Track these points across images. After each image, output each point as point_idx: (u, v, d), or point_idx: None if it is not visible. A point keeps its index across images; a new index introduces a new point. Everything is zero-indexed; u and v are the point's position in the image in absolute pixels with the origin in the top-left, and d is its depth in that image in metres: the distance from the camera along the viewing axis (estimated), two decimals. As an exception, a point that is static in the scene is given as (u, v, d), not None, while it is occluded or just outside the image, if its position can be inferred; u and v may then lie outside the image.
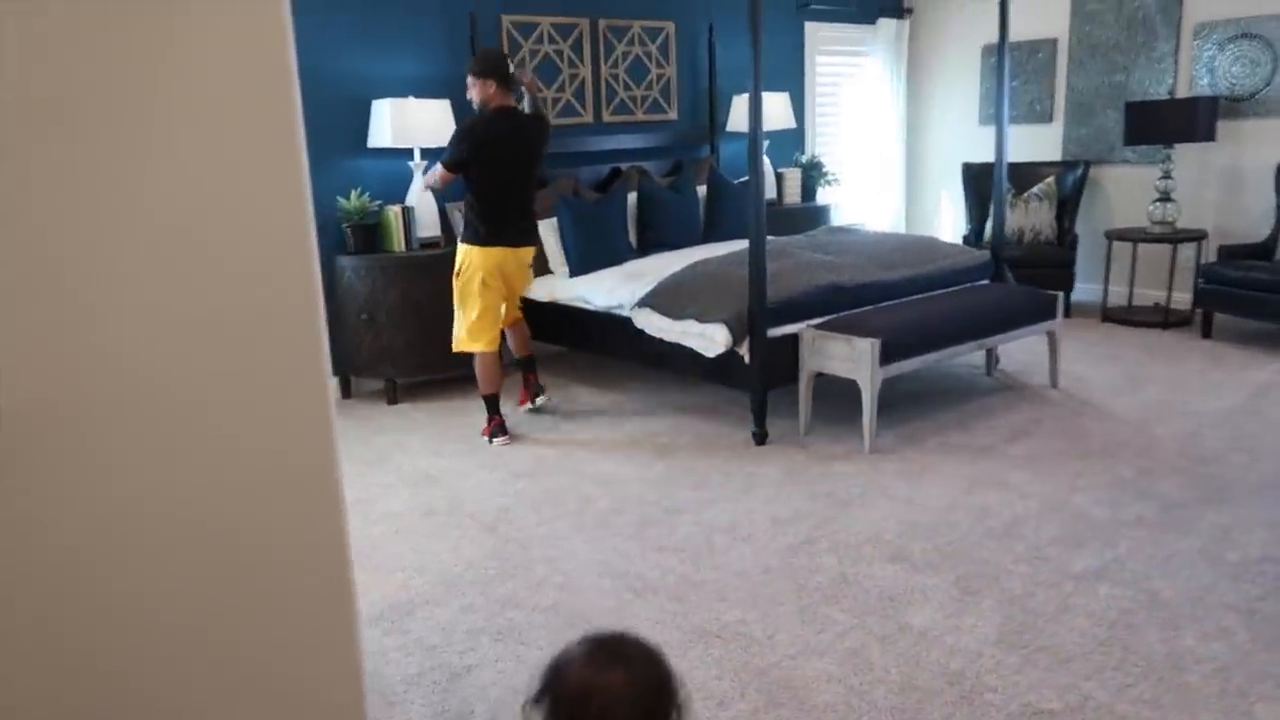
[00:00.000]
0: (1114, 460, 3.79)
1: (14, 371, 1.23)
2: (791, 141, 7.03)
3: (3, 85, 1.17)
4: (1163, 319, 5.95)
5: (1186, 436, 4.02)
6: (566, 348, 5.52)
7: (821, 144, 7.31)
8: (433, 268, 4.94)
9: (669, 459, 4.04)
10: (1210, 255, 5.93)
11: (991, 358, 5.08)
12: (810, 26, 7.08)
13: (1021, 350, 5.22)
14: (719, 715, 2.29)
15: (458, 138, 4.29)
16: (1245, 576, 2.85)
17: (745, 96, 5.64)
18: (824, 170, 6.90)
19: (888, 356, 3.98)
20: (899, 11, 7.45)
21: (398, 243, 4.98)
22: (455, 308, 4.43)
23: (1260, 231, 5.84)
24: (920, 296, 4.64)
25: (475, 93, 4.30)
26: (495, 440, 4.33)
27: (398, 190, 5.12)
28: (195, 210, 1.35)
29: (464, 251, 4.36)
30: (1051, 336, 4.72)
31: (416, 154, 5.06)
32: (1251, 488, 3.48)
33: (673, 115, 6.42)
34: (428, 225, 5.11)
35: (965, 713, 2.27)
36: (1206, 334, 5.63)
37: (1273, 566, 2.90)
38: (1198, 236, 5.93)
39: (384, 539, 3.37)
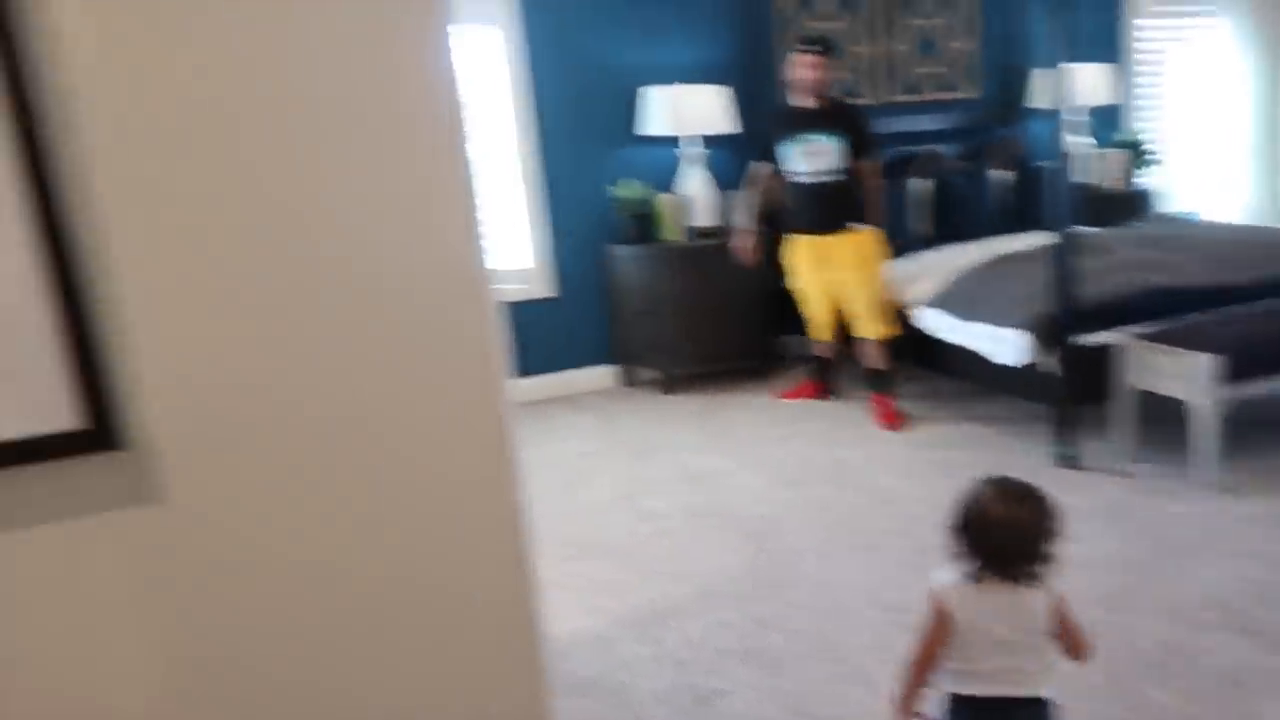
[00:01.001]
0: None
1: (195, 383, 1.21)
2: (1110, 118, 6.22)
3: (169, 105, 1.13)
4: None
5: None
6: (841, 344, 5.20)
7: (1143, 120, 6.42)
8: (708, 258, 4.82)
9: (957, 476, 3.57)
10: None
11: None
12: (1136, -14, 6.21)
13: None
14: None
15: (869, 124, 4.29)
16: None
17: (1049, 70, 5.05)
18: (1146, 151, 6.05)
19: (1233, 374, 3.34)
20: (1257, -38, 6.36)
21: (671, 231, 4.90)
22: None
23: None
24: (1275, 301, 3.89)
25: (823, 73, 4.13)
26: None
27: (665, 179, 5.03)
28: (357, 219, 1.28)
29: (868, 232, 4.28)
30: None
31: (690, 141, 4.93)
32: None
33: (971, 93, 5.86)
34: (704, 214, 4.98)
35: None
36: None
37: None
38: None
39: (648, 539, 3.28)
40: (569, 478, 3.85)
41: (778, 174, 4.33)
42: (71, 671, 1.21)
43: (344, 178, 1.25)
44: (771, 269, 5.06)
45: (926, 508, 3.35)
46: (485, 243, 1.34)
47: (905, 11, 5.61)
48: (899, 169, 5.47)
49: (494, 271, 1.37)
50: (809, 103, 4.17)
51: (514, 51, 4.76)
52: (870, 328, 4.26)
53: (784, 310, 5.17)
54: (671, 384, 4.95)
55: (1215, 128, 6.50)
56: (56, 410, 1.12)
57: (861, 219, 4.28)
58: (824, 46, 4.15)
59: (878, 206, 4.36)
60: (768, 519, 3.39)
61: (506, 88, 4.79)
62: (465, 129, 1.30)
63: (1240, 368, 3.35)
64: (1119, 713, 2.20)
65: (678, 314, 4.82)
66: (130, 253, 1.15)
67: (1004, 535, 1.59)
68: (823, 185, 4.20)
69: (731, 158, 5.19)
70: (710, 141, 5.00)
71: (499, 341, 1.37)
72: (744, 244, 4.49)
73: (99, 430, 1.15)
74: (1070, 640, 1.65)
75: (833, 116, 4.20)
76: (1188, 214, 6.35)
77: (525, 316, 4.93)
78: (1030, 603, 1.59)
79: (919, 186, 5.23)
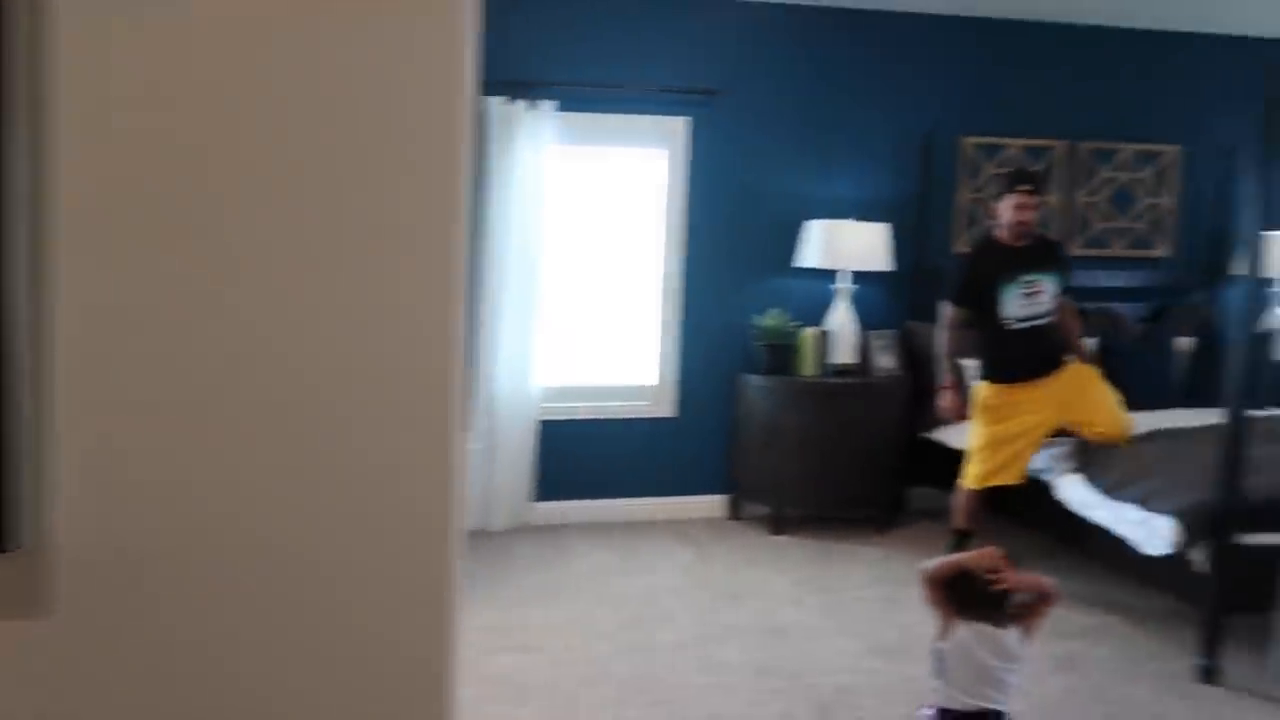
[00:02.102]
0: None
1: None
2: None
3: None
4: None
5: None
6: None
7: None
8: (841, 396, 4.63)
9: (1074, 674, 3.21)
10: None
11: None
12: (1376, 153, 5.58)
13: None
14: None
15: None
16: None
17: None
18: (1374, 333, 5.32)
19: None
20: None
21: (810, 366, 4.74)
22: None
23: None
24: None
25: (1037, 212, 4.00)
26: None
27: (816, 313, 4.90)
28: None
29: None
30: None
31: (843, 276, 4.80)
32: None
33: (1162, 252, 5.42)
34: (846, 351, 4.79)
35: None
36: None
37: None
38: None
39: (702, 692, 3.06)
40: (647, 614, 3.69)
41: (973, 320, 4.02)
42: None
43: (293, 270, 1.12)
44: (910, 415, 4.80)
45: (1031, 706, 2.94)
46: (466, 356, 1.25)
47: (1101, 162, 5.31)
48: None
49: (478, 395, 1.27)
50: (1020, 241, 3.95)
51: (677, 174, 4.87)
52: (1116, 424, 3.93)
53: (917, 460, 4.87)
54: (781, 524, 4.70)
55: None
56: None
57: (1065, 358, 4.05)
58: (1037, 183, 4.01)
59: (1081, 342, 4.20)
60: (844, 690, 3.08)
61: (663, 208, 4.88)
62: (461, 220, 1.22)
63: None
64: None
65: (800, 450, 4.61)
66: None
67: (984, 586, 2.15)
68: (1044, 326, 3.95)
69: (879, 296, 5.03)
70: (861, 278, 4.86)
71: (458, 484, 1.28)
72: (952, 401, 4.10)
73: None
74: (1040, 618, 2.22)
75: (1045, 254, 4.00)
76: None
77: (639, 435, 4.89)
78: (1005, 639, 2.13)
79: (1090, 345, 4.82)
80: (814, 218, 4.84)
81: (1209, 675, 3.14)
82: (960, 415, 4.08)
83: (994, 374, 3.98)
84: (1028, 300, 3.90)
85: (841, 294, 4.82)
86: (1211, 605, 3.14)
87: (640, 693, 3.03)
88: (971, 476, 3.96)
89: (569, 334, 4.95)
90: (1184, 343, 4.94)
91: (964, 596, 2.17)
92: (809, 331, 4.76)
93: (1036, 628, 2.23)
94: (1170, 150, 5.36)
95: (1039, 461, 3.94)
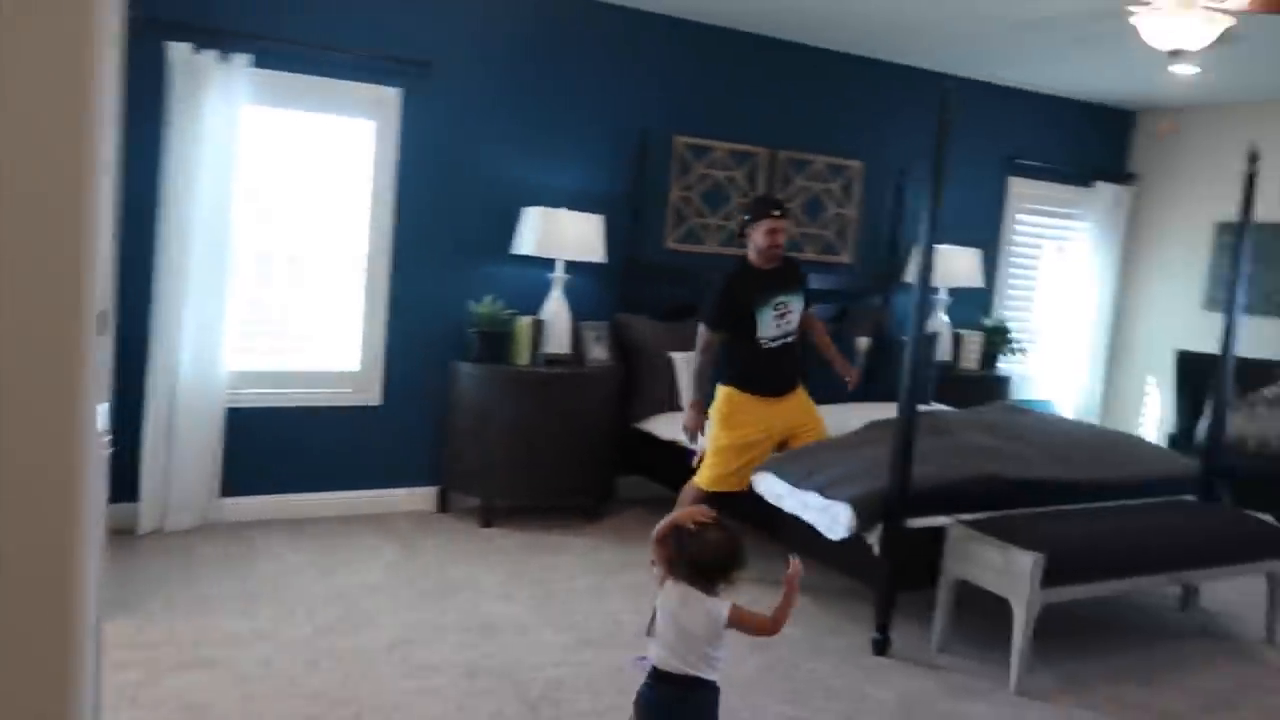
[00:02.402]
0: (1352, 772, 2.85)
1: None
2: (978, 302, 6.35)
3: None
4: None
5: None
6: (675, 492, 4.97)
7: (1012, 308, 6.58)
8: (553, 385, 4.61)
9: (767, 652, 3.39)
10: None
11: (1190, 592, 4.15)
12: (1015, 181, 6.45)
13: (1231, 588, 4.24)
14: None
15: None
16: None
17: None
18: (1010, 338, 6.17)
19: (1053, 577, 3.22)
20: (1121, 176, 6.72)
21: (524, 355, 4.68)
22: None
23: None
24: (1106, 505, 3.84)
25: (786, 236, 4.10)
26: None
27: (534, 301, 4.85)
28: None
29: None
30: (1273, 580, 3.78)
31: (559, 266, 4.79)
32: None
33: (846, 258, 5.92)
34: (559, 341, 4.78)
35: None
36: None
37: None
38: None
39: (408, 698, 2.89)
40: (346, 617, 3.44)
41: (728, 341, 4.05)
42: None
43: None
44: (621, 405, 4.90)
45: (729, 686, 3.05)
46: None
47: (796, 171, 5.67)
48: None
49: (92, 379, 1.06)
50: (770, 265, 4.04)
51: (386, 148, 4.59)
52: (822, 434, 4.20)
53: (628, 450, 4.98)
54: (491, 515, 4.62)
55: (1073, 323, 6.70)
56: None
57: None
58: (784, 209, 4.09)
59: (838, 353, 4.43)
60: (555, 684, 3.05)
61: (370, 183, 4.59)
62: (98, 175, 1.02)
63: (1058, 570, 3.23)
64: None
65: (512, 439, 4.55)
66: None
67: (713, 555, 2.21)
68: (792, 344, 4.10)
69: (593, 287, 5.08)
70: (575, 268, 4.87)
71: (90, 477, 1.07)
72: (695, 419, 4.08)
73: None
74: (755, 628, 2.26)
75: (791, 275, 4.13)
76: (1042, 403, 6.45)
77: (341, 424, 4.61)
78: (715, 608, 2.19)
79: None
80: (531, 204, 4.78)
81: (882, 647, 3.45)
82: (700, 430, 4.15)
83: (743, 385, 4.06)
84: (780, 320, 4.05)
85: (557, 283, 4.80)
86: (884, 584, 3.45)
87: (339, 705, 2.81)
88: (706, 478, 4.06)
89: (263, 314, 4.55)
90: (862, 342, 5.41)
91: (674, 554, 2.22)
92: (524, 320, 4.70)
93: (750, 621, 2.25)
94: (855, 165, 5.85)
95: None
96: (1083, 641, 3.70)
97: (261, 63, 4.19)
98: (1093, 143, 6.69)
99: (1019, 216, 6.54)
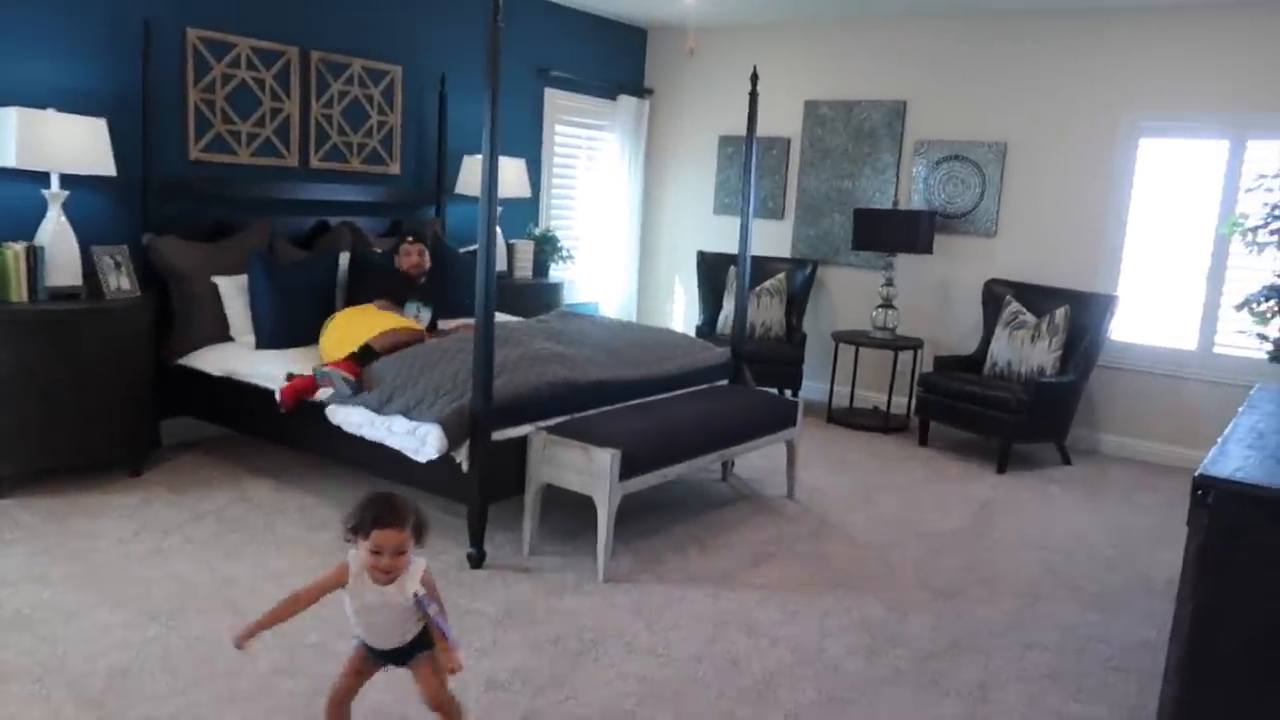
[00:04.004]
0: (860, 593, 3.50)
1: None
2: (525, 211, 6.52)
3: None
4: (883, 423, 5.98)
5: (925, 563, 3.84)
6: (243, 433, 4.54)
7: (557, 217, 6.87)
8: (65, 324, 3.87)
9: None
10: (927, 363, 6.07)
11: (728, 465, 4.76)
12: (550, 93, 6.65)
13: (756, 454, 4.95)
14: None
15: None
16: (1012, 749, 2.56)
17: (478, 157, 5.09)
18: (559, 245, 6.45)
19: (629, 469, 3.48)
20: (640, 90, 7.24)
21: (18, 291, 3.86)
22: None
23: (969, 344, 6.05)
24: (661, 398, 4.23)
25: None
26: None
27: (25, 225, 4.00)
28: None
29: None
30: (790, 446, 4.47)
31: (54, 180, 3.98)
32: (995, 630, 3.29)
33: (394, 169, 5.69)
34: (64, 272, 4.01)
35: None
36: (924, 441, 5.70)
37: (1035, 733, 2.65)
38: (915, 345, 6.05)
39: (-78, 728, 2.32)
40: None
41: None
42: None
43: None
44: (156, 341, 4.29)
45: (326, 629, 2.89)
46: None
47: (334, 74, 5.26)
48: (313, 239, 5.06)
49: None
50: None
51: None
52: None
53: (170, 390, 4.41)
54: (1, 487, 3.84)
55: (609, 229, 7.20)
56: None
57: None
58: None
59: None
60: (119, 673, 2.64)
61: None
62: None
63: (633, 463, 3.49)
64: None
65: (17, 393, 3.77)
66: None
67: (390, 510, 2.12)
68: None
69: (104, 205, 4.33)
70: (76, 183, 4.09)
71: None
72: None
73: None
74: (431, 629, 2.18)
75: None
76: (589, 305, 6.89)
77: None
78: (395, 598, 2.14)
79: (340, 261, 4.84)
80: (4, 104, 3.89)
81: (479, 561, 3.49)
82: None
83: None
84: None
85: (54, 200, 4.00)
86: (475, 499, 3.47)
87: None
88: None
89: None
90: (420, 255, 5.27)
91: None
92: (14, 247, 3.86)
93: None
94: (395, 69, 5.60)
95: (323, 392, 3.86)
96: (648, 520, 4.07)
97: None
98: (616, 58, 7.11)
99: (558, 128, 6.77)
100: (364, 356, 3.94)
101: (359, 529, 2.11)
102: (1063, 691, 2.90)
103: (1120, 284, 5.69)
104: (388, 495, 2.16)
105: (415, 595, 2.13)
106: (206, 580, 3.25)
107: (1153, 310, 5.66)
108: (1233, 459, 2.49)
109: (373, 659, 2.26)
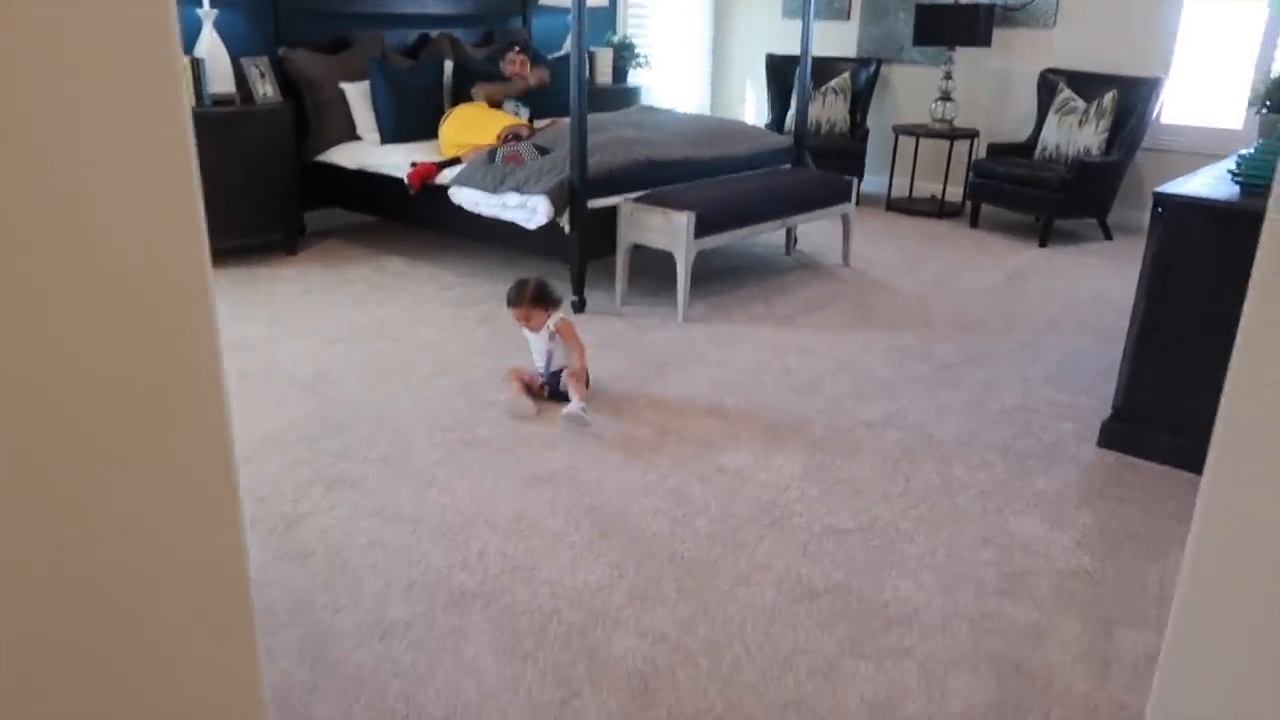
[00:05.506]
0: (898, 329, 4.19)
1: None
2: (604, 20, 6.98)
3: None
4: (939, 209, 6.50)
5: (958, 309, 4.49)
6: (378, 218, 5.36)
7: (634, 26, 7.31)
8: (227, 126, 4.64)
9: (490, 326, 4.08)
10: (981, 152, 6.50)
11: (790, 238, 5.40)
12: (624, -98, 6.97)
13: (817, 233, 5.58)
14: (556, 547, 2.44)
15: None
16: (1003, 421, 3.28)
17: (562, -33, 5.56)
18: (636, 52, 6.93)
19: (702, 229, 4.16)
20: (710, -104, 7.46)
21: (189, 98, 4.62)
22: None
23: (1023, 132, 6.44)
24: (729, 176, 4.85)
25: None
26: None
27: (185, 41, 4.71)
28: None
29: None
30: (845, 219, 5.07)
31: (206, 1, 4.66)
32: (1008, 350, 3.96)
33: (484, -18, 6.20)
34: (223, 80, 4.75)
35: (775, 534, 2.53)
36: (975, 223, 6.22)
37: (1023, 413, 3.35)
38: (971, 135, 6.47)
39: (195, 402, 3.23)
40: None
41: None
42: None
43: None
44: (298, 141, 5.04)
45: (466, 351, 3.75)
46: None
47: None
48: (417, 50, 5.68)
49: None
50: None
51: None
52: None
53: (314, 185, 5.20)
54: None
55: (683, 36, 7.61)
56: None
57: None
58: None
59: None
60: (321, 373, 3.53)
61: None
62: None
63: (705, 224, 4.17)
64: (635, 477, 2.79)
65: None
66: None
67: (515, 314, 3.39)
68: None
69: (244, 23, 5.00)
70: (220, 3, 4.76)
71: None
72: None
73: None
74: (572, 347, 3.36)
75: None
76: (668, 108, 7.41)
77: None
78: (539, 337, 3.38)
79: (445, 68, 5.48)
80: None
81: (581, 307, 4.27)
82: None
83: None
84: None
85: (207, 18, 4.69)
86: (577, 257, 4.22)
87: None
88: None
89: None
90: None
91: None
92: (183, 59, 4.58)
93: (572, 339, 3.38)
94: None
95: (444, 176, 4.59)
96: (721, 283, 4.79)
97: None
98: None
99: (631, -63, 7.11)
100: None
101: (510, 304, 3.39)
102: (1053, 387, 3.59)
103: (1172, 68, 5.96)
104: (518, 281, 3.39)
105: (549, 332, 3.36)
106: (367, 320, 4.11)
107: (1202, 92, 5.94)
108: (1193, 184, 3.06)
109: (541, 379, 3.40)
